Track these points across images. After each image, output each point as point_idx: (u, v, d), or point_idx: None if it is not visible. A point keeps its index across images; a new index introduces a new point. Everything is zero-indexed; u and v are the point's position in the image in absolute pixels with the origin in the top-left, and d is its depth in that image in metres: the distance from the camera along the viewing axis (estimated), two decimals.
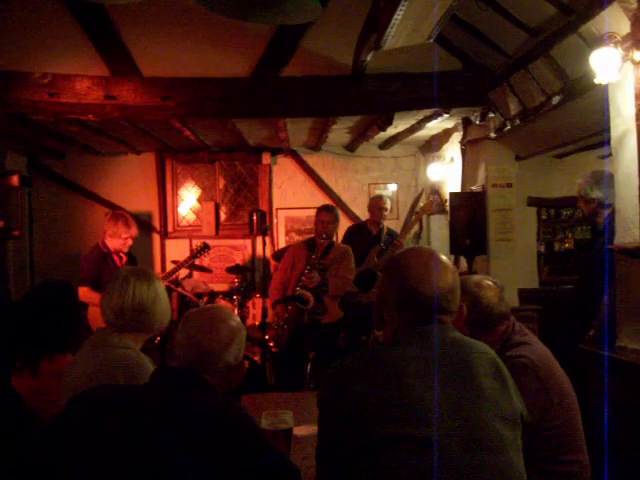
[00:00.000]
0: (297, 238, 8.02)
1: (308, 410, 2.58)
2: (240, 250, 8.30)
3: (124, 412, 1.74)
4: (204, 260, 7.75)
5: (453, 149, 6.76)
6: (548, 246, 7.04)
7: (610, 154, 3.60)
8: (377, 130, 6.39)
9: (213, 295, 6.85)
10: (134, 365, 2.34)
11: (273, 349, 5.76)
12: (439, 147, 7.33)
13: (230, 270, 7.04)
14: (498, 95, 5.17)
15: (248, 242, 8.23)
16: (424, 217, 7.74)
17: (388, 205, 6.45)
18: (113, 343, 2.42)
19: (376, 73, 5.19)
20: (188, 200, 8.56)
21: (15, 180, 6.51)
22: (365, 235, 6.25)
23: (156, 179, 8.26)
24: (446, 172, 6.98)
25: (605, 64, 3.26)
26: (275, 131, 6.77)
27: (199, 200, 8.54)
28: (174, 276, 6.04)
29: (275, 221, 8.36)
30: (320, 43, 4.87)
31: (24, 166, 7.69)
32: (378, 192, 7.37)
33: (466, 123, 6.16)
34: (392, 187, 8.50)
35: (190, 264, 6.16)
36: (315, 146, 7.99)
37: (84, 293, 4.90)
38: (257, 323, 6.41)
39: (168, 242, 8.30)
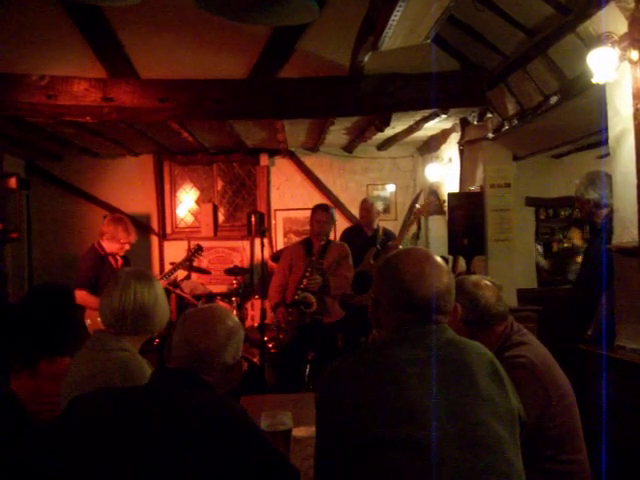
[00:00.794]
0: (295, 239, 8.01)
1: (307, 411, 2.57)
2: (238, 252, 8.30)
3: (123, 414, 1.74)
4: (202, 262, 7.75)
5: (451, 149, 6.76)
6: (546, 246, 7.04)
7: (608, 154, 3.60)
8: (375, 131, 6.39)
9: (211, 297, 6.84)
10: (131, 368, 2.34)
11: (272, 350, 5.76)
12: (437, 148, 7.34)
13: (228, 272, 7.04)
14: (496, 95, 5.18)
15: (246, 243, 8.24)
16: (422, 218, 7.74)
17: (375, 208, 6.42)
18: (111, 346, 2.42)
19: (374, 74, 5.19)
20: (186, 202, 8.56)
21: (13, 183, 6.52)
22: (361, 237, 6.25)
23: (154, 181, 8.26)
24: (444, 172, 6.98)
25: (602, 64, 3.26)
26: (273, 132, 6.77)
27: (197, 202, 8.54)
28: (172, 277, 6.04)
29: (273, 222, 8.36)
30: (317, 44, 4.86)
31: (22, 169, 7.69)
32: (367, 196, 7.37)
33: (464, 123, 6.16)
34: (390, 188, 8.51)
35: (186, 266, 6.15)
36: (313, 147, 7.99)
37: (81, 296, 4.85)
38: (256, 324, 6.41)
39: (166, 244, 8.30)
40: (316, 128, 6.73)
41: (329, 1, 4.18)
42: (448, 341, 1.71)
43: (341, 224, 7.98)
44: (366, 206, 6.33)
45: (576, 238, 7.17)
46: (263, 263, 7.38)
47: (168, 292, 5.99)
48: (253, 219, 6.95)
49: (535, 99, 4.58)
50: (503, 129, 5.29)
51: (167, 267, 7.26)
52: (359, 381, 1.61)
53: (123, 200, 8.09)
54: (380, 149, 8.20)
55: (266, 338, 5.68)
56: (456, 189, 6.43)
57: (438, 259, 1.82)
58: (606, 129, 3.57)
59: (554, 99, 4.34)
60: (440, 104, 5.36)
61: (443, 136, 7.01)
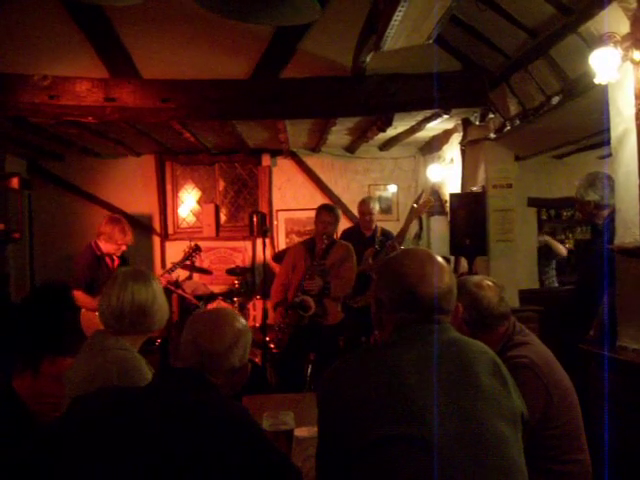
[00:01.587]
0: (297, 239, 8.01)
1: (309, 411, 2.57)
2: (240, 252, 8.30)
3: (126, 413, 1.74)
4: (204, 262, 7.75)
5: (453, 150, 6.76)
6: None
7: (610, 154, 3.60)
8: (377, 131, 6.39)
9: (213, 297, 6.84)
10: (129, 366, 2.34)
11: (274, 350, 5.76)
12: (439, 148, 7.33)
13: (230, 272, 7.04)
14: (498, 96, 5.17)
15: (248, 244, 8.24)
16: (424, 218, 7.73)
17: (375, 209, 6.40)
18: (110, 345, 2.42)
19: (376, 74, 5.19)
20: (188, 202, 8.56)
21: (15, 183, 6.53)
22: (359, 237, 6.23)
23: (156, 181, 8.27)
24: (446, 173, 6.98)
25: (605, 64, 3.26)
26: (275, 133, 6.77)
27: (199, 202, 8.54)
28: (174, 277, 6.04)
29: (275, 223, 8.36)
30: (319, 44, 4.87)
31: (24, 169, 7.69)
32: (366, 196, 7.32)
33: (466, 124, 6.16)
34: (392, 188, 8.50)
35: (186, 266, 6.15)
36: (315, 147, 7.99)
37: (78, 297, 4.88)
38: (258, 325, 6.41)
39: (168, 244, 8.30)
40: (318, 128, 6.73)
41: (331, 1, 4.18)
42: (451, 340, 1.71)
43: (343, 225, 7.96)
44: (365, 207, 6.31)
45: (578, 239, 7.20)
46: (265, 263, 7.39)
47: (169, 292, 6.01)
48: (255, 219, 6.94)
49: (537, 99, 4.58)
50: (505, 129, 5.28)
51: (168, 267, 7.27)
52: (361, 380, 1.61)
53: (125, 200, 8.10)
54: (382, 149, 8.20)
55: (268, 338, 5.68)
56: (458, 189, 6.43)
57: (440, 259, 1.82)
58: (608, 129, 3.57)
59: (556, 99, 4.34)
60: (442, 104, 5.36)
61: (445, 136, 7.01)
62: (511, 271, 5.67)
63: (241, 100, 5.33)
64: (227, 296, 6.77)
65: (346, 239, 6.26)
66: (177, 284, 6.35)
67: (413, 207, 6.50)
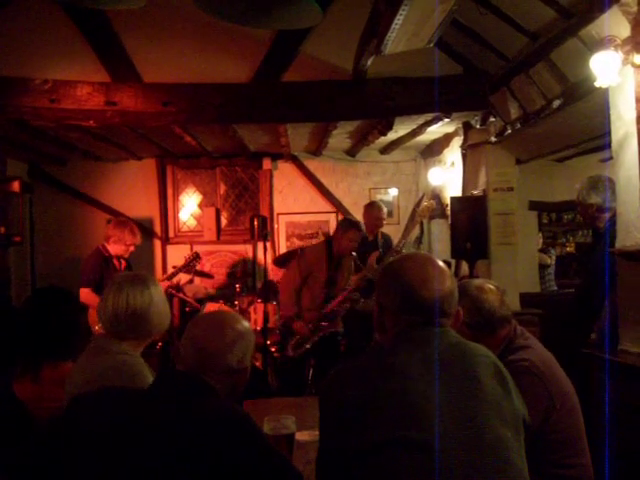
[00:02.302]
0: (298, 243, 8.02)
1: (310, 415, 2.57)
2: (241, 255, 8.29)
3: (124, 414, 1.74)
4: (205, 265, 7.75)
5: (454, 153, 6.76)
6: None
7: (611, 157, 3.60)
8: (378, 135, 6.39)
9: (214, 299, 6.84)
10: (131, 370, 2.33)
11: (275, 354, 5.76)
12: (440, 151, 7.33)
13: (231, 275, 7.03)
14: (498, 99, 5.17)
15: (249, 247, 8.22)
16: (425, 222, 7.72)
17: (385, 214, 6.39)
18: (111, 349, 2.41)
19: (377, 78, 5.19)
20: (189, 206, 8.55)
21: (16, 186, 6.52)
22: (362, 242, 6.21)
23: (157, 185, 8.26)
24: (447, 176, 6.98)
25: (605, 67, 3.26)
26: (276, 136, 6.77)
27: (200, 206, 8.53)
28: (175, 281, 6.05)
29: (276, 226, 8.35)
30: (320, 48, 4.87)
31: (25, 172, 7.70)
32: (373, 200, 7.29)
33: (467, 127, 6.16)
34: (393, 192, 8.50)
35: (183, 272, 6.17)
36: (316, 151, 7.99)
37: (85, 295, 5.02)
38: (259, 328, 6.40)
39: (169, 248, 8.29)
40: (319, 132, 6.74)
41: (332, 5, 4.18)
42: (452, 344, 1.71)
43: None
44: (378, 213, 6.26)
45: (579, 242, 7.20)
46: (266, 267, 7.38)
47: (171, 296, 6.02)
48: (256, 223, 6.93)
49: (538, 103, 4.58)
50: (506, 133, 5.28)
51: (170, 271, 7.27)
52: (363, 384, 1.61)
53: (126, 204, 8.09)
54: (383, 153, 8.19)
55: (269, 342, 5.67)
56: (459, 193, 6.43)
57: (440, 263, 1.82)
58: (609, 133, 3.57)
59: (557, 103, 4.34)
60: (443, 108, 5.36)
61: (446, 140, 7.01)
62: (512, 274, 5.66)
63: (242, 104, 5.33)
64: (228, 299, 6.76)
65: None
66: (178, 288, 6.35)
67: (414, 211, 6.49)
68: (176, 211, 8.48)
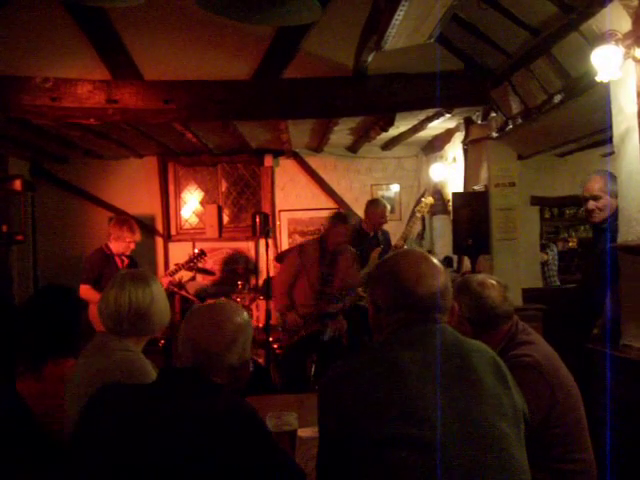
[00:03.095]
0: (300, 240, 8.01)
1: (312, 412, 2.57)
2: (243, 252, 8.30)
3: (126, 412, 1.74)
4: (207, 263, 7.75)
5: (455, 149, 6.76)
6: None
7: (613, 152, 3.59)
8: (379, 131, 6.39)
9: (216, 296, 6.84)
10: (134, 368, 2.33)
11: (277, 351, 5.77)
12: (441, 147, 7.33)
13: (233, 272, 7.04)
14: (500, 94, 5.17)
15: (251, 244, 8.23)
16: (427, 218, 7.72)
17: (388, 212, 6.39)
18: (113, 346, 2.41)
19: (377, 74, 5.19)
20: (191, 203, 8.56)
21: (18, 185, 6.53)
22: (364, 237, 6.20)
23: (159, 182, 8.28)
24: (448, 172, 6.98)
25: (606, 62, 3.25)
26: (277, 133, 6.77)
27: (202, 203, 8.54)
28: (177, 278, 6.06)
29: (278, 223, 8.36)
30: (321, 44, 4.86)
31: (27, 171, 7.71)
32: (377, 197, 7.27)
33: (468, 123, 6.15)
34: (394, 188, 8.50)
35: (185, 269, 6.17)
36: (317, 148, 7.99)
37: (85, 291, 5.10)
38: (261, 325, 6.41)
39: (171, 245, 8.31)
40: (320, 128, 6.74)
41: (332, 1, 4.17)
42: (451, 340, 1.71)
43: None
44: (382, 211, 6.23)
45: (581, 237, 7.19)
46: (268, 264, 7.39)
47: (172, 293, 6.04)
48: (257, 220, 6.94)
49: (539, 98, 4.57)
50: (507, 128, 5.28)
51: (172, 268, 7.28)
52: (362, 381, 1.61)
53: (128, 202, 8.11)
54: (384, 149, 8.19)
55: (271, 339, 5.68)
56: (460, 188, 6.43)
57: (434, 259, 1.83)
58: (610, 127, 3.56)
59: (558, 98, 4.33)
60: (444, 103, 5.36)
61: (447, 136, 7.01)
62: (514, 270, 5.66)
63: (243, 101, 5.33)
64: (230, 297, 6.77)
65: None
66: (180, 285, 6.36)
67: (416, 208, 6.49)
68: (178, 208, 8.49)
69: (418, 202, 6.95)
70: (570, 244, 7.30)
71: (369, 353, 1.75)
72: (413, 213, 7.24)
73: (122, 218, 5.66)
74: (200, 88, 5.24)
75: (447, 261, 6.50)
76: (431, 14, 3.49)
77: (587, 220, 4.33)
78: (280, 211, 8.39)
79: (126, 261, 5.47)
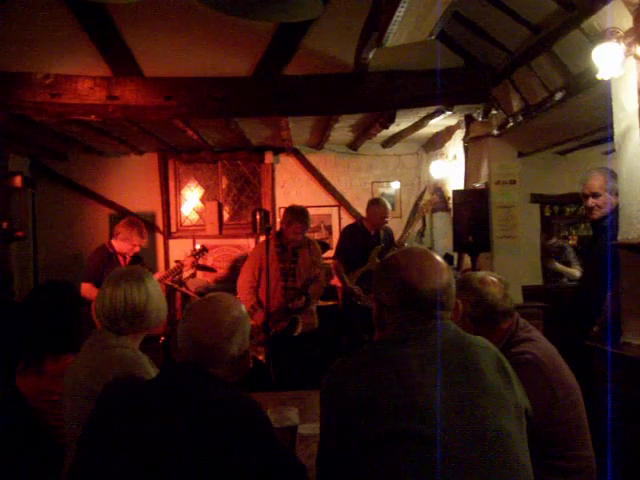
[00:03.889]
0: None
1: (313, 408, 2.58)
2: (244, 249, 8.29)
3: (127, 409, 1.74)
4: (208, 260, 7.75)
5: (456, 146, 6.75)
6: None
7: (614, 150, 3.59)
8: (380, 128, 6.39)
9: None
10: (131, 364, 2.34)
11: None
12: (442, 145, 7.33)
13: (233, 269, 7.03)
14: (500, 92, 5.17)
15: (252, 241, 8.23)
16: (427, 215, 7.72)
17: (390, 211, 6.36)
18: (110, 343, 2.41)
19: (378, 71, 5.19)
20: (191, 200, 8.56)
21: (18, 181, 6.54)
22: (364, 236, 6.18)
23: (159, 179, 8.27)
24: (449, 169, 6.97)
25: (608, 59, 3.25)
26: (277, 130, 6.77)
27: (202, 200, 8.53)
28: (178, 277, 6.07)
29: (278, 220, 8.35)
30: (322, 41, 4.86)
31: (27, 167, 7.70)
32: (378, 197, 7.24)
33: (469, 120, 6.15)
34: (395, 185, 8.50)
35: (192, 265, 6.18)
36: (317, 145, 7.98)
37: (87, 289, 5.12)
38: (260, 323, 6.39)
39: (171, 242, 8.30)
40: (320, 126, 6.73)
41: None
42: (453, 336, 1.71)
43: (345, 221, 7.99)
44: (384, 212, 6.20)
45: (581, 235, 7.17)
46: (268, 261, 7.37)
47: (173, 290, 6.04)
48: (258, 217, 6.93)
49: (540, 95, 4.57)
50: (508, 125, 5.28)
51: (172, 265, 7.27)
52: (364, 377, 1.61)
53: (128, 198, 8.11)
54: (385, 146, 8.19)
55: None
56: (461, 186, 6.42)
57: (437, 256, 1.82)
58: (611, 125, 3.56)
59: (559, 95, 4.33)
60: (445, 101, 5.36)
61: (448, 133, 7.00)
62: (514, 267, 5.66)
63: (243, 98, 5.33)
64: (232, 294, 6.76)
65: (349, 236, 6.25)
66: (181, 282, 6.36)
67: (416, 205, 6.49)
68: (178, 205, 8.48)
69: (421, 198, 6.95)
70: (570, 242, 7.28)
71: (372, 349, 1.75)
72: (415, 209, 7.24)
73: (133, 220, 5.63)
74: (201, 85, 5.24)
75: (447, 259, 6.49)
76: (432, 11, 3.48)
77: (587, 217, 4.33)
78: (280, 208, 8.37)
79: (128, 259, 5.47)
